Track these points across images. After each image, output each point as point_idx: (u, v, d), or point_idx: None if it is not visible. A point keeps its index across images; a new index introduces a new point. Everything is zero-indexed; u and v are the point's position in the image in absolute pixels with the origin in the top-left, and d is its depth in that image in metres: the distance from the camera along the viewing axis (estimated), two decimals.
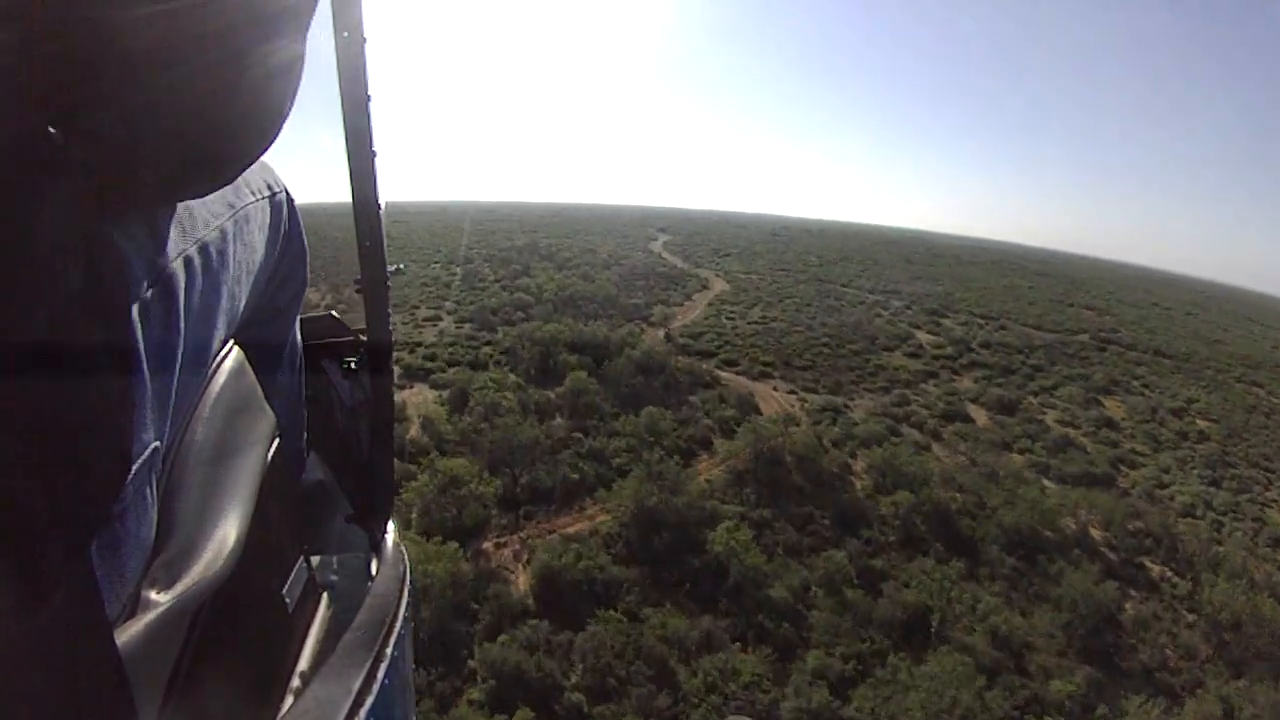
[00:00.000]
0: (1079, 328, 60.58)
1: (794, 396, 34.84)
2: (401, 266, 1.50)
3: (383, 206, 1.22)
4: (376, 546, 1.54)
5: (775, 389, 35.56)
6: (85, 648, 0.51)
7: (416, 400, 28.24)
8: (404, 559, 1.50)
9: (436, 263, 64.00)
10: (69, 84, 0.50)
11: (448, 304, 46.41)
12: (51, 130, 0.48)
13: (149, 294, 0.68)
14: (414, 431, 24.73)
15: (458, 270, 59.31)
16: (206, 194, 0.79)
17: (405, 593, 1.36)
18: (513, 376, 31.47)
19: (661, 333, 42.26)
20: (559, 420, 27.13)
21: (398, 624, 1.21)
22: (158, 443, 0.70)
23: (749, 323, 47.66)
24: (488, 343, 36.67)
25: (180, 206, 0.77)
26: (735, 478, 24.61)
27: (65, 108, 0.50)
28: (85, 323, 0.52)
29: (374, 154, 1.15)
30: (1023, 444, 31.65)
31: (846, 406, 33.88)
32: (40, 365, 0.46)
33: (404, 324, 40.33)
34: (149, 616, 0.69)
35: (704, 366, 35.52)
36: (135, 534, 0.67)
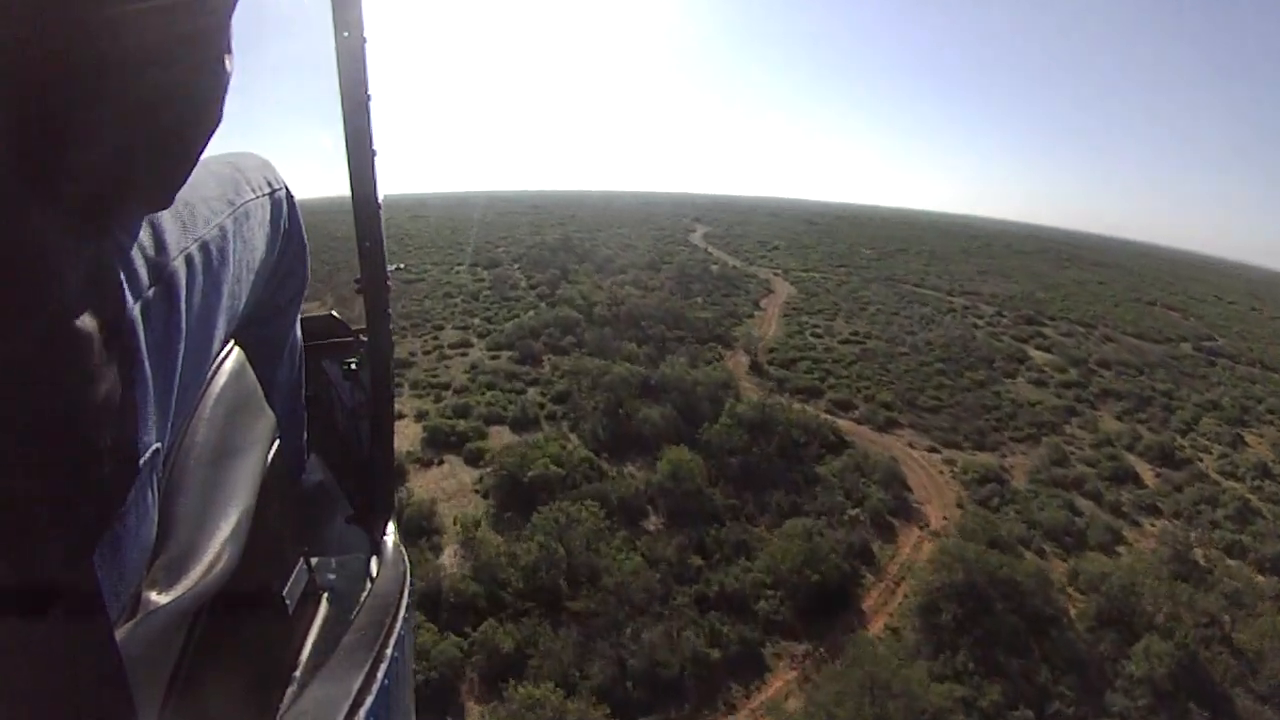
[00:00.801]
0: (1176, 334, 54.88)
1: (937, 456, 27.08)
2: (402, 266, 1.43)
3: (382, 205, 1.19)
4: (376, 547, 1.51)
5: (912, 445, 27.63)
6: (86, 648, 0.51)
7: (449, 487, 20.16)
8: (404, 560, 1.49)
9: (459, 265, 55.82)
10: (64, 84, 0.49)
11: (476, 320, 38.32)
12: (49, 132, 0.47)
13: (151, 293, 0.68)
14: (451, 558, 16.58)
15: (485, 275, 51.05)
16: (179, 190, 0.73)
17: (405, 594, 1.34)
18: (575, 440, 23.36)
19: (745, 359, 33.96)
20: (654, 520, 18.99)
21: (398, 625, 1.20)
22: (159, 443, 0.69)
23: (840, 341, 39.27)
24: (533, 381, 28.53)
25: (180, 203, 0.76)
26: (930, 626, 16.44)
27: (61, 109, 0.49)
28: (87, 324, 0.51)
29: (374, 153, 1.12)
30: (1204, 511, 25.01)
31: (1004, 470, 26.16)
32: (43, 368, 0.45)
33: (426, 354, 32.24)
34: (150, 617, 0.69)
35: (820, 416, 27.24)
36: (136, 535, 0.65)
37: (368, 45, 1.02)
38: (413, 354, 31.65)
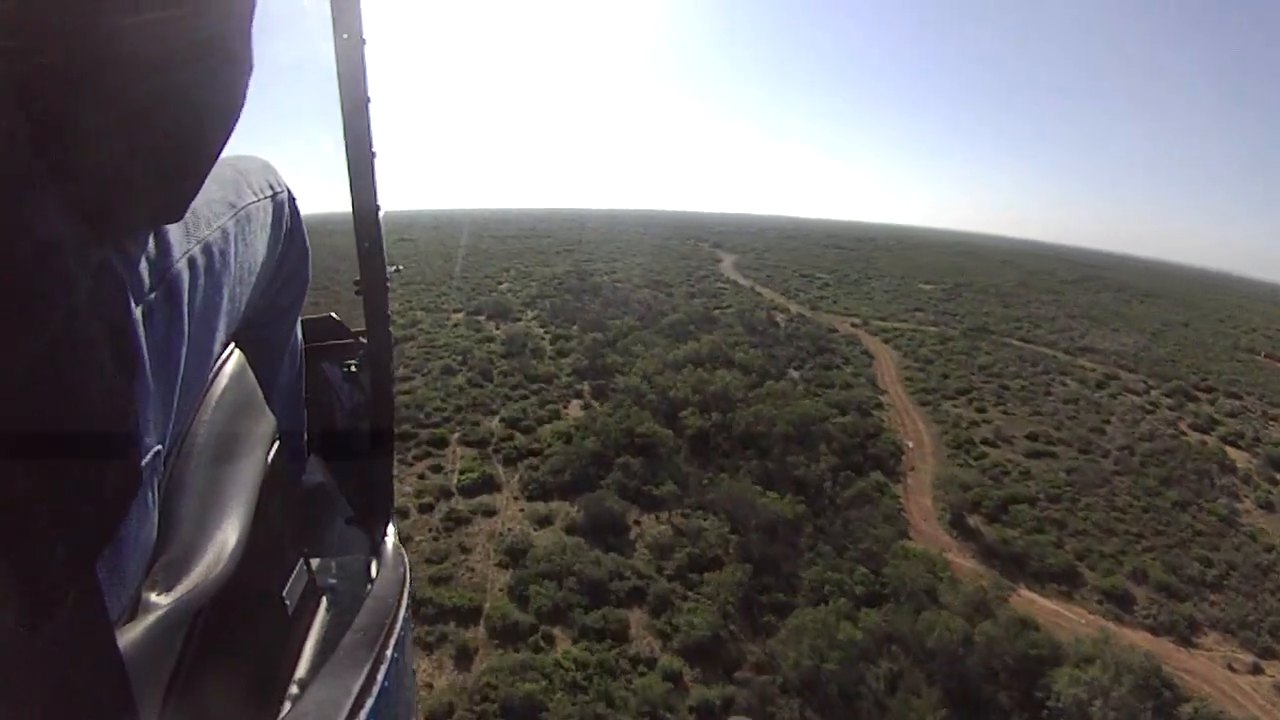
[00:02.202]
0: None
1: (1266, 680, 17.16)
2: (399, 268, 1.44)
3: (382, 209, 1.18)
4: (376, 549, 1.50)
5: (1233, 668, 17.99)
6: (88, 650, 0.51)
7: None
8: (404, 561, 1.47)
9: (458, 312, 42.76)
10: (64, 91, 0.49)
11: (495, 423, 25.32)
12: (50, 138, 0.48)
13: (153, 295, 0.68)
14: None
15: (494, 332, 37.97)
16: (192, 200, 0.74)
17: (405, 595, 1.33)
18: None
19: (929, 502, 21.69)
20: None
21: (398, 626, 1.20)
22: (160, 445, 0.69)
23: (1023, 452, 27.32)
24: (634, 593, 15.61)
25: None
26: None
27: (61, 115, 0.49)
28: (93, 329, 0.51)
29: (373, 156, 1.12)
30: None
31: None
32: (48, 371, 0.45)
33: (423, 511, 19.21)
34: (150, 619, 0.70)
35: (1127, 638, 15.19)
36: (136, 536, 0.65)
37: (367, 47, 1.01)
38: (405, 512, 18.69)
